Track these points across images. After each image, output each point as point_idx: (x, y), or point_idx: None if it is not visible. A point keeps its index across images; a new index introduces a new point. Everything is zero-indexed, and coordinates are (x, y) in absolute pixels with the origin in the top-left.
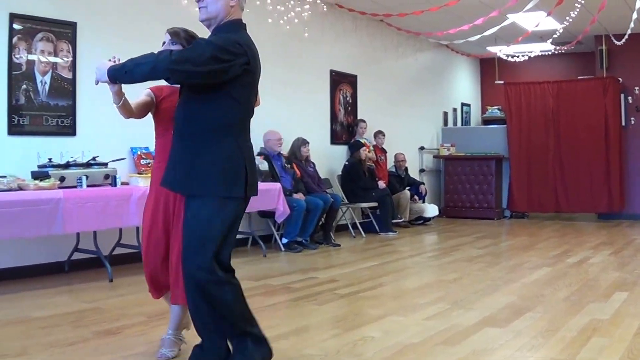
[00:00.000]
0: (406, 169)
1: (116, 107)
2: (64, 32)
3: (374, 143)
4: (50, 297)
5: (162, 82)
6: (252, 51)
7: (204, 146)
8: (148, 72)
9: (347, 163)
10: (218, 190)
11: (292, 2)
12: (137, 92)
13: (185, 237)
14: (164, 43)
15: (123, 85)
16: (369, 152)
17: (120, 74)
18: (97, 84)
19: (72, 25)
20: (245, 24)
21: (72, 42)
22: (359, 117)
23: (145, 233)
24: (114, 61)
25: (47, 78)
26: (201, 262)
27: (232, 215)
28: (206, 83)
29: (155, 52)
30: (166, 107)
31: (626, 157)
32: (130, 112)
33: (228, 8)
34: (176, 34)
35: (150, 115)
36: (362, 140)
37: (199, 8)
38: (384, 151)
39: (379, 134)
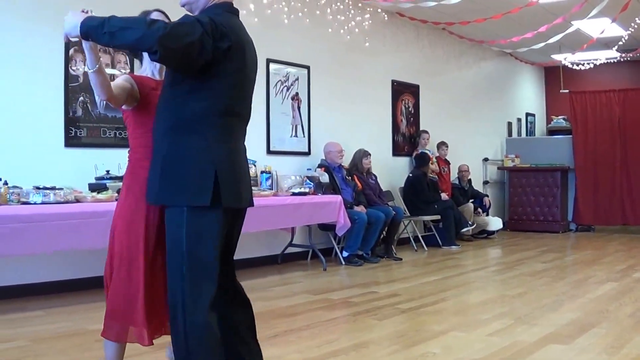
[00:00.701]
0: (470, 180)
1: (91, 73)
2: None
3: (437, 154)
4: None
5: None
6: (239, 37)
7: (166, 146)
8: (134, 40)
9: (410, 175)
10: (181, 199)
11: (352, 12)
12: None
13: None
14: None
15: None
16: (432, 163)
17: (98, 32)
18: (65, 40)
19: None
20: (236, 9)
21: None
22: (421, 128)
23: (145, 255)
24: (86, 12)
25: None
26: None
27: (201, 228)
28: (186, 65)
29: (146, 18)
30: (151, 102)
31: None
32: (108, 87)
33: None
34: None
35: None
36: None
37: None
38: (447, 162)
39: (442, 145)
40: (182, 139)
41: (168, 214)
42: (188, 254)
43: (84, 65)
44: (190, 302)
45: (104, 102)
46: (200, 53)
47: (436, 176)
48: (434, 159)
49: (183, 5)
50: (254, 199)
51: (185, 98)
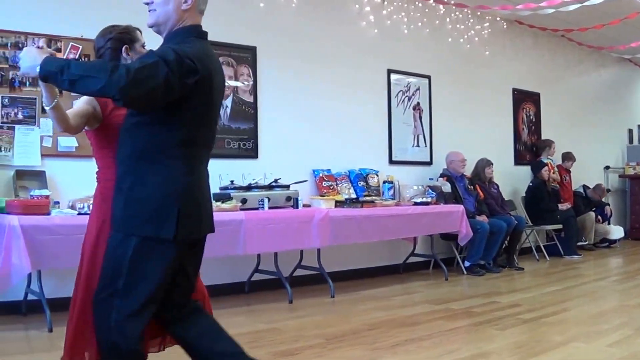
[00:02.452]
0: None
1: (48, 110)
2: (244, 56)
3: (559, 163)
4: (229, 317)
5: None
6: (206, 67)
7: (129, 175)
8: (96, 90)
9: (531, 184)
10: (145, 229)
11: (471, 21)
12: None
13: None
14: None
15: None
16: (553, 172)
17: (57, 77)
18: (20, 78)
19: (252, 50)
20: (204, 32)
21: (253, 66)
22: (543, 137)
23: None
24: (40, 47)
25: (229, 102)
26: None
27: (149, 260)
28: (151, 106)
29: (107, 62)
30: (114, 122)
31: None
32: (65, 120)
33: (180, 12)
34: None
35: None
36: (546, 161)
37: (149, 11)
38: (568, 171)
39: (567, 157)
40: (144, 168)
41: (113, 239)
42: (124, 285)
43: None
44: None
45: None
46: (166, 93)
47: (557, 185)
48: (555, 168)
49: (151, 26)
50: (376, 208)
51: (147, 127)
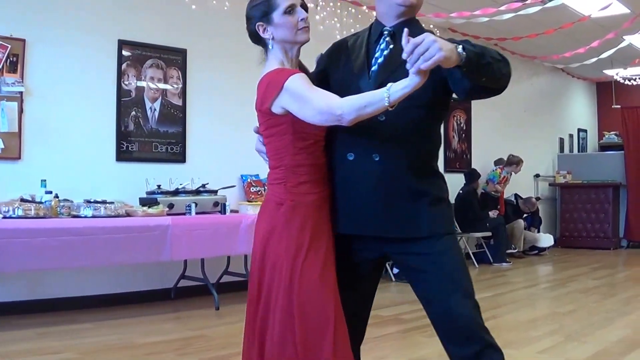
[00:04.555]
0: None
1: (383, 108)
2: (174, 59)
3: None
4: (156, 323)
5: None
6: None
7: (435, 177)
8: (504, 75)
9: (461, 192)
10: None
11: None
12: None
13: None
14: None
15: None
16: (502, 185)
17: (480, 61)
18: (427, 67)
19: (182, 52)
20: None
21: (182, 69)
22: (473, 145)
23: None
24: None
25: (157, 105)
26: None
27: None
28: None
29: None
30: None
31: None
32: None
33: None
34: None
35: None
36: (504, 174)
37: None
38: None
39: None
40: (434, 166)
41: (445, 243)
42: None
43: (387, 104)
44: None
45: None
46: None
47: (498, 194)
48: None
49: (410, 5)
50: None
51: (434, 127)
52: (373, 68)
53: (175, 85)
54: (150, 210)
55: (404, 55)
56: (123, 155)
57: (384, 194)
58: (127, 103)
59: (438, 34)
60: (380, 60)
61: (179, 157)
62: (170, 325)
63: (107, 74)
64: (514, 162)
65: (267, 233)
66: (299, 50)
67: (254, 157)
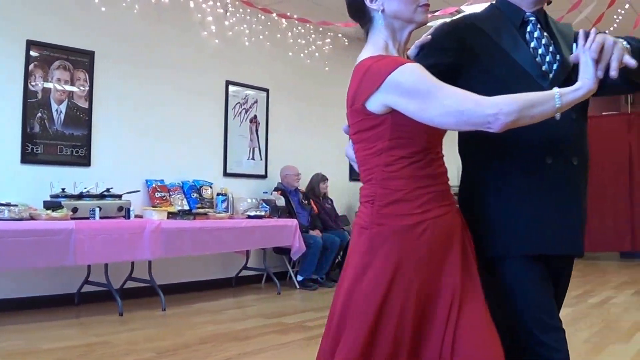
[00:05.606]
0: None
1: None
2: (81, 60)
3: None
4: (59, 329)
5: None
6: None
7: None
8: None
9: None
10: None
11: (313, 36)
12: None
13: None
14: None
15: None
16: None
17: None
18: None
19: (90, 54)
20: None
21: (90, 71)
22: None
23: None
24: None
25: (63, 107)
26: None
27: None
28: None
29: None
30: None
31: None
32: None
33: None
34: None
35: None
36: None
37: None
38: None
39: None
40: None
41: (568, 264)
42: None
43: (558, 105)
44: None
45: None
46: None
47: None
48: None
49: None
50: (209, 221)
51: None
52: (553, 66)
53: (82, 88)
54: (54, 214)
55: (581, 56)
56: (28, 157)
57: (581, 205)
58: (33, 104)
59: (346, 43)
60: (548, 57)
61: (84, 160)
62: (73, 330)
63: (14, 74)
64: None
65: (349, 260)
66: (410, 36)
67: (160, 162)
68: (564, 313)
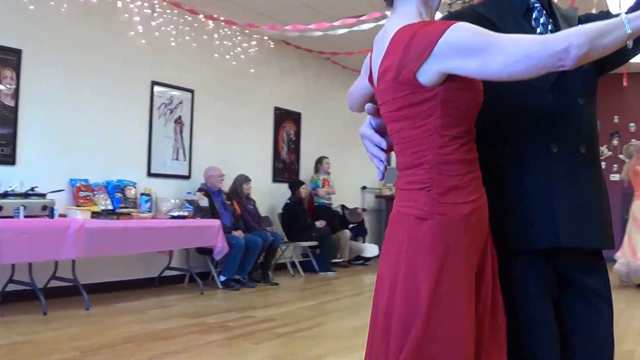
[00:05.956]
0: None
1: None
2: (8, 59)
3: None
4: None
5: None
6: None
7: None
8: None
9: (288, 201)
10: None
11: (239, 38)
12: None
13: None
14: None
15: None
16: (329, 187)
17: None
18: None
19: (17, 53)
20: None
21: (17, 69)
22: (302, 156)
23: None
24: None
25: None
26: None
27: None
28: None
29: None
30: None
31: None
32: None
33: None
34: None
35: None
36: (322, 177)
37: None
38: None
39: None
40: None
41: (597, 262)
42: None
43: (628, 31)
44: None
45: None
46: None
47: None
48: (331, 182)
49: None
50: (132, 221)
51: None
52: None
53: (9, 86)
54: None
55: None
56: None
57: (593, 196)
58: None
59: (272, 46)
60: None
61: (9, 159)
62: None
63: None
64: (320, 164)
65: (404, 256)
66: (440, 4)
67: (84, 162)
68: None
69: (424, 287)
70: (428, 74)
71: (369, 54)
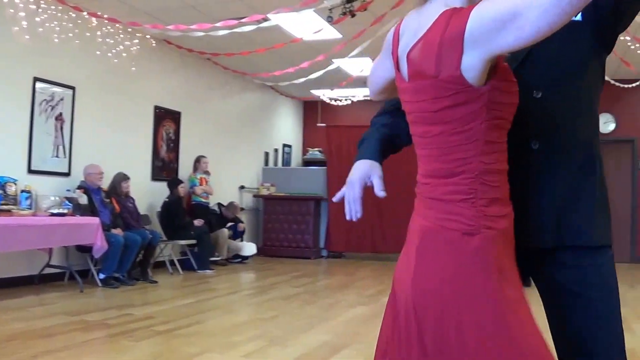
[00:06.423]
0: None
1: None
2: None
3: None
4: None
5: None
6: None
7: (599, 166)
8: None
9: (167, 200)
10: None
11: (122, 36)
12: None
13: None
14: None
15: None
16: (206, 185)
17: None
18: None
19: None
20: None
21: None
22: (181, 155)
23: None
24: None
25: None
26: None
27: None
28: None
29: None
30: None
31: None
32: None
33: None
34: None
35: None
36: (199, 176)
37: None
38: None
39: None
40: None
41: (598, 259)
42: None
43: None
44: None
45: None
46: None
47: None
48: (209, 181)
49: None
50: (12, 218)
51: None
52: None
53: None
54: None
55: None
56: None
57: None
58: None
59: (154, 45)
60: None
61: None
62: None
63: None
64: (198, 162)
65: (447, 278)
66: None
67: None
68: (358, 312)
69: (489, 312)
70: (471, 67)
71: (391, 35)
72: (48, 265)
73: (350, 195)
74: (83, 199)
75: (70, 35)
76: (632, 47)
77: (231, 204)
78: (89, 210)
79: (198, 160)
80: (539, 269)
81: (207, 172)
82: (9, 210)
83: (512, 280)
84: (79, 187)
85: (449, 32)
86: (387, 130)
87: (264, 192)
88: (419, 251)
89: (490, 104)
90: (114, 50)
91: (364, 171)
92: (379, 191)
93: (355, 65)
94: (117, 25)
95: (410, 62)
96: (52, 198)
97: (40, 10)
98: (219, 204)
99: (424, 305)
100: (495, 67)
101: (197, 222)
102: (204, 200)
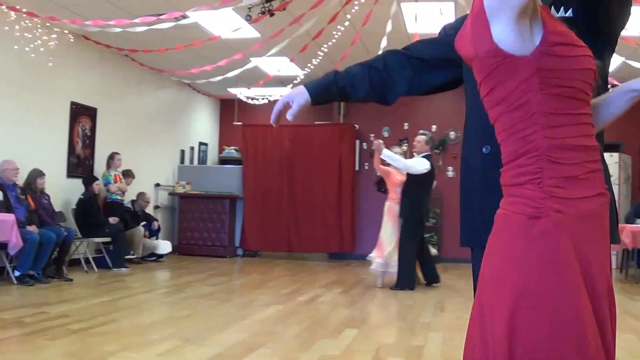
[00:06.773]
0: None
1: None
2: None
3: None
4: None
5: None
6: None
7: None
8: None
9: (82, 197)
10: None
11: (40, 30)
12: None
13: None
14: None
15: None
16: (121, 183)
17: None
18: None
19: None
20: None
21: None
22: (97, 152)
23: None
24: None
25: None
26: None
27: None
28: None
29: None
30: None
31: (358, 200)
32: None
33: None
34: None
35: None
36: (113, 173)
37: None
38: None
39: (128, 174)
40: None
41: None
42: None
43: None
44: None
45: None
46: None
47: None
48: (123, 180)
49: None
50: None
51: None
52: None
53: None
54: None
55: None
56: None
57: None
58: None
59: (72, 40)
60: None
61: None
62: None
63: None
64: (112, 159)
65: (510, 265)
66: None
67: None
68: (273, 310)
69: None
70: (503, 34)
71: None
72: None
73: (275, 107)
74: None
75: None
76: None
77: (141, 194)
78: (4, 206)
79: (112, 157)
80: None
81: (128, 174)
82: None
83: (584, 271)
84: None
85: (474, 11)
86: (350, 76)
87: (180, 190)
88: (491, 239)
89: (542, 71)
90: (31, 45)
91: (293, 94)
92: (288, 114)
93: (273, 64)
94: (36, 19)
95: (459, 52)
96: None
97: None
98: (132, 201)
99: (491, 295)
100: (545, 33)
101: (112, 220)
102: (119, 197)
